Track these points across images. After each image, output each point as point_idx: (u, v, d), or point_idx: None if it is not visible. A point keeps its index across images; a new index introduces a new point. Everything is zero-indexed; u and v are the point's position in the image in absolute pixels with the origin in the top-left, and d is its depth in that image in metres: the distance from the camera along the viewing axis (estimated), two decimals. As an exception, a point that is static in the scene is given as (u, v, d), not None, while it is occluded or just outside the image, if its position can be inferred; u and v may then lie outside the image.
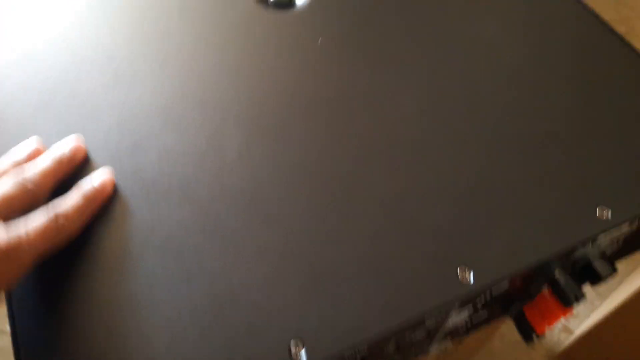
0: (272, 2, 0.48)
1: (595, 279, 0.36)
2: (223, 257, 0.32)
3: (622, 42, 0.47)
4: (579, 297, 0.35)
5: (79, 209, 0.31)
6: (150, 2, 0.48)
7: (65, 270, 0.31)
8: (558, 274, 0.35)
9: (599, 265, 0.36)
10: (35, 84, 0.40)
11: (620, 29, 0.47)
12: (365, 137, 0.39)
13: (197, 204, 0.34)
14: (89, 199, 0.32)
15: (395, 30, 0.47)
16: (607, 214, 0.35)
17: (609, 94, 0.43)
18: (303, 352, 0.28)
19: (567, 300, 0.35)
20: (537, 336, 0.38)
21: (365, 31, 0.47)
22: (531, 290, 0.36)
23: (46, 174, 0.32)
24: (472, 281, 0.31)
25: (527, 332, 0.38)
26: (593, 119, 0.41)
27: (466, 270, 0.32)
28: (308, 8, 0.48)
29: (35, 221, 0.29)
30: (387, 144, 0.38)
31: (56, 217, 0.30)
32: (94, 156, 0.36)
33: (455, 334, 0.39)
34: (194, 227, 0.33)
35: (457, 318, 0.35)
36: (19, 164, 0.33)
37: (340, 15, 0.48)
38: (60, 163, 0.33)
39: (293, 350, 0.28)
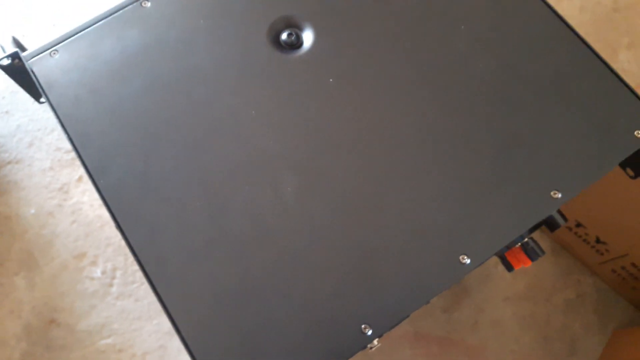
0: (283, 41, 0.60)
1: (555, 226, 0.55)
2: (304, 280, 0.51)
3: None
4: (540, 255, 0.55)
5: None
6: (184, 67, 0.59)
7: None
8: (525, 240, 0.55)
9: (557, 217, 0.55)
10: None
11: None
12: (381, 161, 0.55)
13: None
14: None
15: (388, 60, 0.60)
16: (558, 195, 0.54)
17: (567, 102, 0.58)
18: (370, 331, 0.48)
19: (532, 258, 0.55)
20: (513, 269, 0.58)
21: (367, 66, 0.59)
22: (508, 245, 0.55)
23: None
24: (469, 262, 0.51)
25: (508, 266, 0.58)
26: (549, 121, 0.57)
27: (465, 257, 0.51)
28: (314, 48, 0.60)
29: None
30: (396, 165, 0.55)
31: None
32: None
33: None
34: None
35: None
36: None
37: (343, 53, 0.60)
38: None
39: (364, 331, 0.49)
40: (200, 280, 0.51)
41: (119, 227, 0.53)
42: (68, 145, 1.10)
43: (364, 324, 0.49)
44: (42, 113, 1.12)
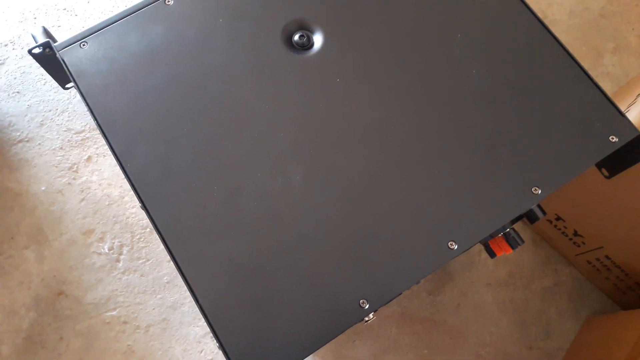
0: (295, 42, 0.66)
1: (534, 219, 0.62)
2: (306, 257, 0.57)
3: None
4: (520, 244, 0.61)
5: None
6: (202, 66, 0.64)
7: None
8: (507, 230, 0.61)
9: (537, 211, 0.62)
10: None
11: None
12: (381, 155, 0.61)
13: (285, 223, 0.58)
14: None
15: (389, 63, 0.66)
16: (538, 191, 0.60)
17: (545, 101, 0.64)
18: (367, 305, 0.55)
19: (512, 246, 0.61)
20: (495, 255, 0.64)
21: (371, 66, 0.66)
22: (492, 234, 0.62)
23: None
24: (456, 248, 0.57)
25: (491, 253, 0.64)
26: (530, 123, 0.63)
27: (453, 243, 0.58)
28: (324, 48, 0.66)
29: None
30: (394, 159, 0.61)
31: None
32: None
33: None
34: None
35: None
36: None
37: (349, 55, 0.66)
38: None
39: (362, 305, 0.55)
40: (216, 256, 0.57)
41: (144, 206, 0.59)
42: (78, 127, 1.14)
43: (362, 299, 0.55)
44: (53, 94, 1.17)
